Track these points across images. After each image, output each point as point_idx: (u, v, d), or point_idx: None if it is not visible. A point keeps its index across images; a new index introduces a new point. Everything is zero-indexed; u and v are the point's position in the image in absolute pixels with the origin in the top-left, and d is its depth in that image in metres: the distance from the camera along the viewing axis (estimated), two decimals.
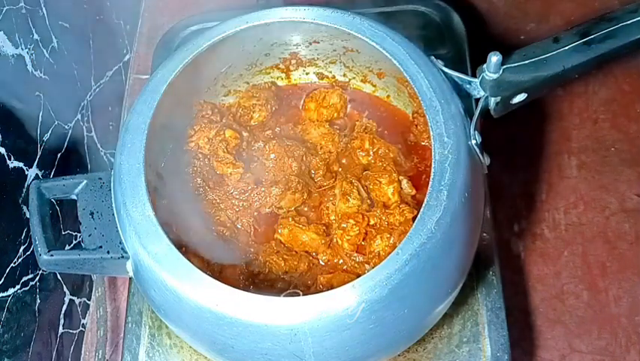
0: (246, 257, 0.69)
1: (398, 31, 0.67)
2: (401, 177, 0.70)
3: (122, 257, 0.61)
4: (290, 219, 0.70)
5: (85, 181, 0.64)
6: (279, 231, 0.70)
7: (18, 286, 0.69)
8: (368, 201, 0.69)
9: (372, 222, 0.68)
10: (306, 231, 0.68)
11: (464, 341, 0.72)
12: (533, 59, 0.64)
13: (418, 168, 0.73)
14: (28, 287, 0.71)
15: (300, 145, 0.73)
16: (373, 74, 0.77)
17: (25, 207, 0.70)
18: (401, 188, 0.70)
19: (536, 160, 0.93)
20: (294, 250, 0.69)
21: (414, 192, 0.70)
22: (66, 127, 0.80)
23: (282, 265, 0.68)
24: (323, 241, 0.68)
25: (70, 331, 0.82)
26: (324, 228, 0.69)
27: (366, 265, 0.67)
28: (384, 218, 0.68)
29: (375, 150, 0.73)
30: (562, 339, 0.83)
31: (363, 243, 0.68)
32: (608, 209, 0.89)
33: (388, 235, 0.66)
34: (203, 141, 0.74)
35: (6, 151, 0.67)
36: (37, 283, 0.73)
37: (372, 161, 0.73)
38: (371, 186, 0.70)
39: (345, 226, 0.68)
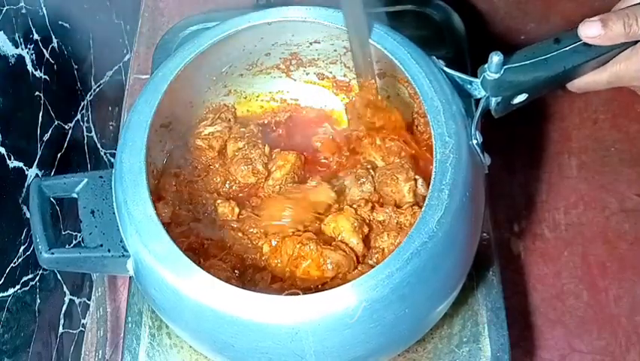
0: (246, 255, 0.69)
1: (398, 31, 0.67)
2: (417, 177, 0.70)
3: (123, 256, 0.61)
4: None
5: (86, 179, 0.64)
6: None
7: (18, 286, 0.69)
8: (376, 195, 0.69)
9: (381, 218, 0.68)
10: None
11: (464, 341, 0.72)
12: (534, 60, 0.64)
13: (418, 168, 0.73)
14: (28, 287, 0.71)
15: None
16: None
17: (25, 207, 0.69)
18: (416, 187, 0.69)
19: (536, 160, 0.93)
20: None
21: (427, 193, 0.69)
22: (66, 127, 0.80)
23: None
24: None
25: (70, 331, 0.82)
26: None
27: (370, 261, 0.66)
28: (394, 216, 0.67)
29: (387, 145, 0.73)
30: (562, 339, 0.82)
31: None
32: (608, 209, 0.89)
33: (396, 234, 0.66)
34: (232, 146, 0.74)
35: (6, 151, 0.66)
36: (37, 283, 0.73)
37: (387, 157, 0.73)
38: (388, 181, 0.69)
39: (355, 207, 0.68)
